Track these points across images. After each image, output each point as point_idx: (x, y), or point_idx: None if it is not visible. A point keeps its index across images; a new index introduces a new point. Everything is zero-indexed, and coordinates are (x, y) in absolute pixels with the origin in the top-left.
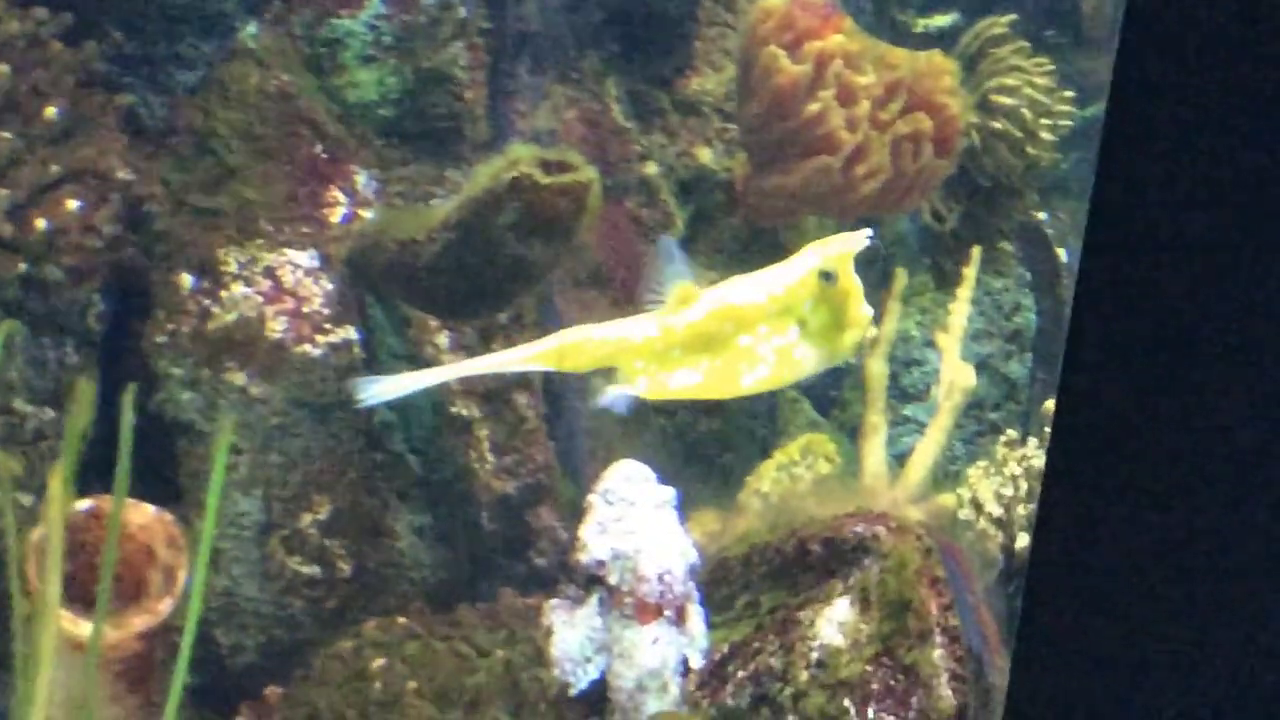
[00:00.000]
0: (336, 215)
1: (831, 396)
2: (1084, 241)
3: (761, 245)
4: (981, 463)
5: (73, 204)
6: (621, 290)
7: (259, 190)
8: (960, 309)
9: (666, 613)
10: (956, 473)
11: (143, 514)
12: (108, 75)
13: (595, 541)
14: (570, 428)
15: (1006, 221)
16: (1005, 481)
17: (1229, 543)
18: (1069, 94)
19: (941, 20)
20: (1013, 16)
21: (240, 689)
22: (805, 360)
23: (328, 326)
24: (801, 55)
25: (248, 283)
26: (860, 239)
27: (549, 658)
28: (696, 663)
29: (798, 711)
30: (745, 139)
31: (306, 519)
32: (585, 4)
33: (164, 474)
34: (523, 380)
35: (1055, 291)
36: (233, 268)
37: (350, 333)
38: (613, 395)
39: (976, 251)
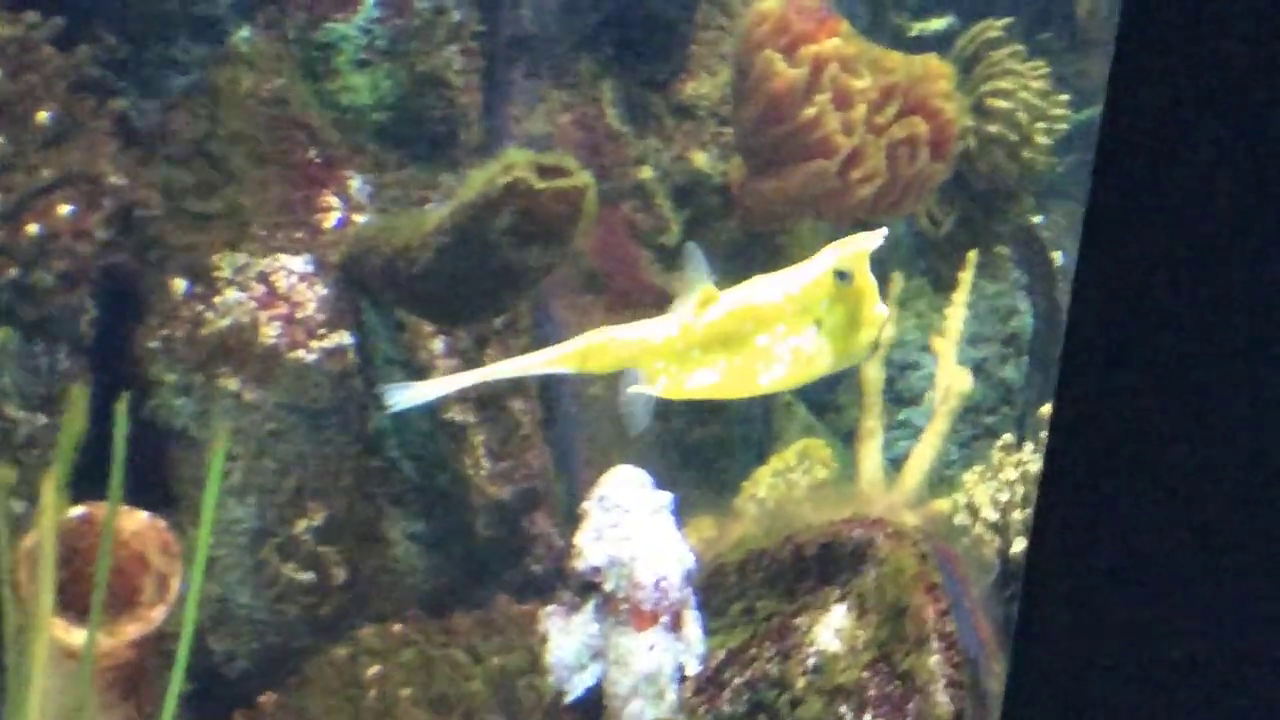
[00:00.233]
0: (330, 220)
1: (826, 401)
2: (1081, 245)
3: (757, 250)
4: (978, 467)
5: (65, 209)
6: (616, 295)
7: (252, 195)
8: (956, 313)
9: (663, 619)
10: (952, 477)
11: (136, 520)
12: (100, 79)
13: (591, 548)
14: (566, 433)
15: (1002, 225)
16: (1001, 486)
17: (1227, 547)
18: (1064, 97)
19: (937, 24)
20: (1008, 20)
21: (234, 696)
22: (821, 359)
23: (322, 332)
24: (797, 59)
25: (241, 288)
26: (876, 238)
27: (544, 665)
28: (693, 669)
29: (795, 718)
30: (741, 143)
31: (301, 525)
32: (580, 7)
33: (157, 480)
34: (518, 386)
35: (1050, 295)
36: (226, 273)
37: (344, 338)
38: (633, 396)
39: (972, 256)
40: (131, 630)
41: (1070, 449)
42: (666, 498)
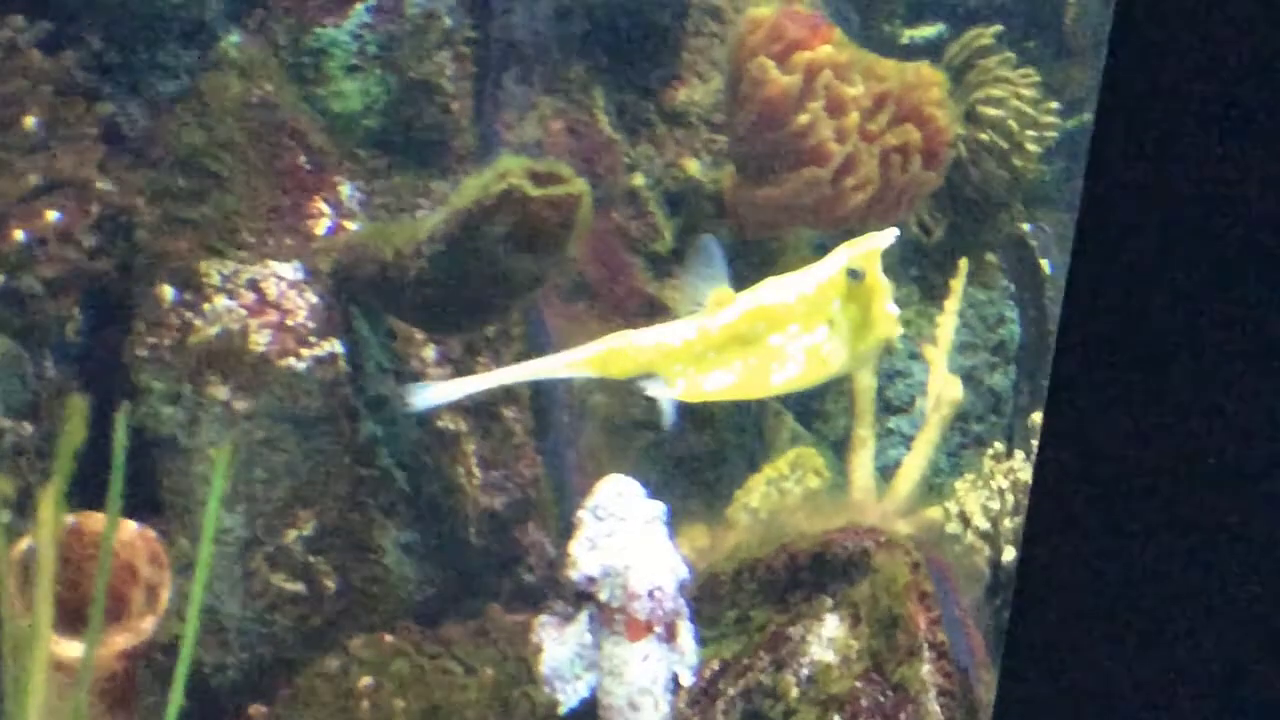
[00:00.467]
0: (321, 227)
1: (814, 409)
2: (1072, 253)
3: (750, 257)
4: (969, 476)
5: (51, 215)
6: (608, 302)
7: (242, 201)
8: (948, 321)
9: (657, 629)
10: (941, 486)
11: (125, 530)
12: (87, 84)
13: (585, 557)
14: (558, 442)
15: (993, 233)
16: (992, 495)
17: (1218, 556)
18: (1054, 105)
19: (928, 31)
20: (999, 27)
21: (224, 708)
22: (834, 359)
23: (312, 340)
24: (790, 66)
25: (230, 295)
26: (889, 237)
27: (538, 675)
28: (687, 680)
29: None
30: (733, 150)
31: (291, 535)
32: (572, 14)
33: (144, 488)
34: (510, 394)
35: (1039, 303)
36: (215, 280)
37: (335, 346)
38: (657, 399)
39: (963, 264)
40: (121, 641)
41: (1061, 458)
42: (660, 507)
